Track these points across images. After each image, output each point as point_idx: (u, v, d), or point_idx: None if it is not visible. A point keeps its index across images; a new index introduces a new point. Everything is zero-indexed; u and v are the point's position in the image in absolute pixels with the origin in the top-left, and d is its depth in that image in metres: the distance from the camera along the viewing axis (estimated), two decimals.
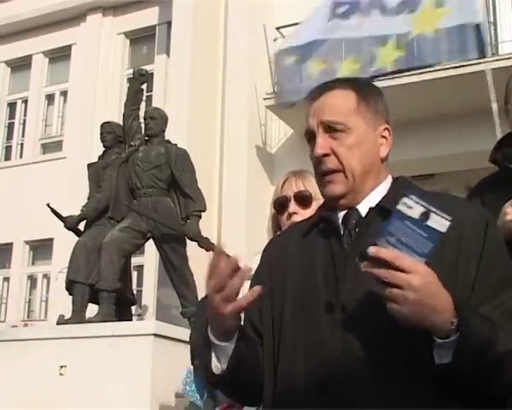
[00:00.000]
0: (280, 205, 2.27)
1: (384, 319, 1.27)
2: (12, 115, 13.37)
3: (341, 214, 1.49)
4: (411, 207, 1.20)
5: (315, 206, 2.21)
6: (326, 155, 1.46)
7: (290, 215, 2.21)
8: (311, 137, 1.51)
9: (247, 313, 1.54)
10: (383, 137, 1.51)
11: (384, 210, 1.40)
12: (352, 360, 1.32)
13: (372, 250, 1.22)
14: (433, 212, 1.20)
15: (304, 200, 2.23)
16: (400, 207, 1.21)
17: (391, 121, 1.55)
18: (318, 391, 1.34)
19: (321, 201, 2.21)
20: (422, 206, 1.20)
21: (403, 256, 1.21)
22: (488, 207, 2.10)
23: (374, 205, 1.45)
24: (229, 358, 1.43)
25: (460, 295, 1.31)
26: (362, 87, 1.53)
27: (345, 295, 1.37)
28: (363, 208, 1.48)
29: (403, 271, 1.20)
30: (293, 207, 2.23)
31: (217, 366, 1.45)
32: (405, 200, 1.22)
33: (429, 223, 1.19)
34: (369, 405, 1.29)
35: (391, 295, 1.21)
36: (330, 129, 1.47)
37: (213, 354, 1.45)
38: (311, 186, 2.25)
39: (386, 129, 1.52)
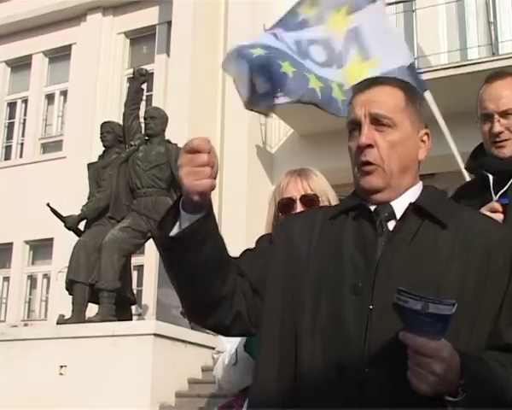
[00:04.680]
0: (285, 206, 2.25)
1: None
2: (12, 115, 13.38)
3: (373, 206, 1.51)
4: (407, 301, 1.24)
5: None
6: (370, 145, 1.48)
7: None
8: (355, 126, 1.53)
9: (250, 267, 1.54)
10: (422, 141, 1.56)
11: (420, 209, 1.47)
12: (375, 344, 1.35)
13: (401, 336, 1.27)
14: (431, 301, 1.23)
15: (310, 203, 2.21)
16: (398, 302, 1.25)
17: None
18: (338, 371, 1.36)
19: (325, 203, 2.21)
20: (418, 298, 1.23)
21: (424, 344, 1.25)
22: None
23: (411, 202, 1.49)
24: (190, 223, 1.40)
25: (485, 313, 1.39)
26: (410, 89, 1.57)
27: (377, 281, 1.40)
28: (396, 205, 1.50)
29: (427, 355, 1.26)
30: (300, 210, 2.21)
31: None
32: (399, 296, 1.25)
33: (431, 310, 1.23)
34: (390, 391, 1.32)
35: (414, 372, 1.27)
36: (377, 122, 1.49)
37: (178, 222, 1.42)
38: (316, 186, 2.24)
39: (427, 134, 1.57)
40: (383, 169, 1.48)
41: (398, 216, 1.48)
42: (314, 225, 1.55)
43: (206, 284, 1.45)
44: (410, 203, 1.48)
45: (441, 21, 9.65)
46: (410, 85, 1.59)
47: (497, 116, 2.31)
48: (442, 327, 1.25)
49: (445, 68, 8.62)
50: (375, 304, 1.38)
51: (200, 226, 1.40)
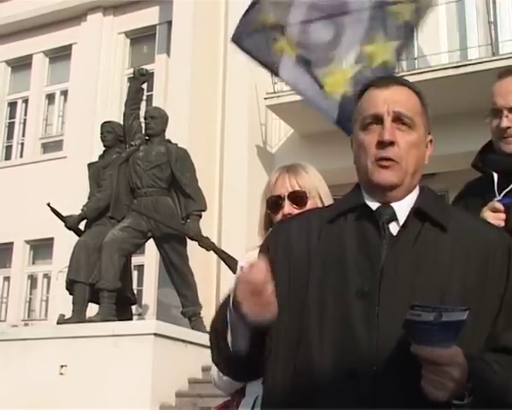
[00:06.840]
0: (273, 204, 2.21)
1: None
2: (12, 115, 13.36)
3: (374, 207, 1.51)
4: (420, 314, 1.25)
5: (310, 205, 2.16)
6: (392, 143, 1.49)
7: (285, 216, 2.16)
8: (375, 121, 1.52)
9: None
10: (427, 146, 1.59)
11: (420, 212, 1.48)
12: (385, 347, 1.35)
13: (413, 350, 1.29)
14: (444, 310, 1.24)
15: (299, 200, 2.18)
16: (411, 317, 1.26)
17: None
18: (349, 375, 1.36)
19: (316, 199, 2.19)
20: (430, 310, 1.24)
21: (440, 353, 1.27)
22: (472, 211, 2.15)
23: (413, 206, 1.51)
24: (248, 338, 1.42)
25: (485, 315, 1.40)
26: (422, 94, 1.60)
27: (383, 285, 1.40)
28: (397, 206, 1.51)
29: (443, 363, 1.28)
30: (288, 208, 2.17)
31: (230, 343, 1.45)
32: (413, 312, 1.26)
33: (445, 319, 1.24)
34: (402, 393, 1.32)
35: (430, 381, 1.28)
36: (399, 120, 1.51)
37: (229, 333, 1.44)
38: (305, 183, 2.20)
39: (431, 140, 1.60)
40: (401, 167, 1.50)
41: (399, 218, 1.49)
42: (311, 228, 1.54)
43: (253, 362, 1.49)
44: (413, 207, 1.49)
45: (441, 21, 9.64)
46: (421, 92, 1.61)
47: (505, 111, 2.31)
48: (455, 334, 1.26)
49: (444, 68, 8.61)
50: (381, 307, 1.38)
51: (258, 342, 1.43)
